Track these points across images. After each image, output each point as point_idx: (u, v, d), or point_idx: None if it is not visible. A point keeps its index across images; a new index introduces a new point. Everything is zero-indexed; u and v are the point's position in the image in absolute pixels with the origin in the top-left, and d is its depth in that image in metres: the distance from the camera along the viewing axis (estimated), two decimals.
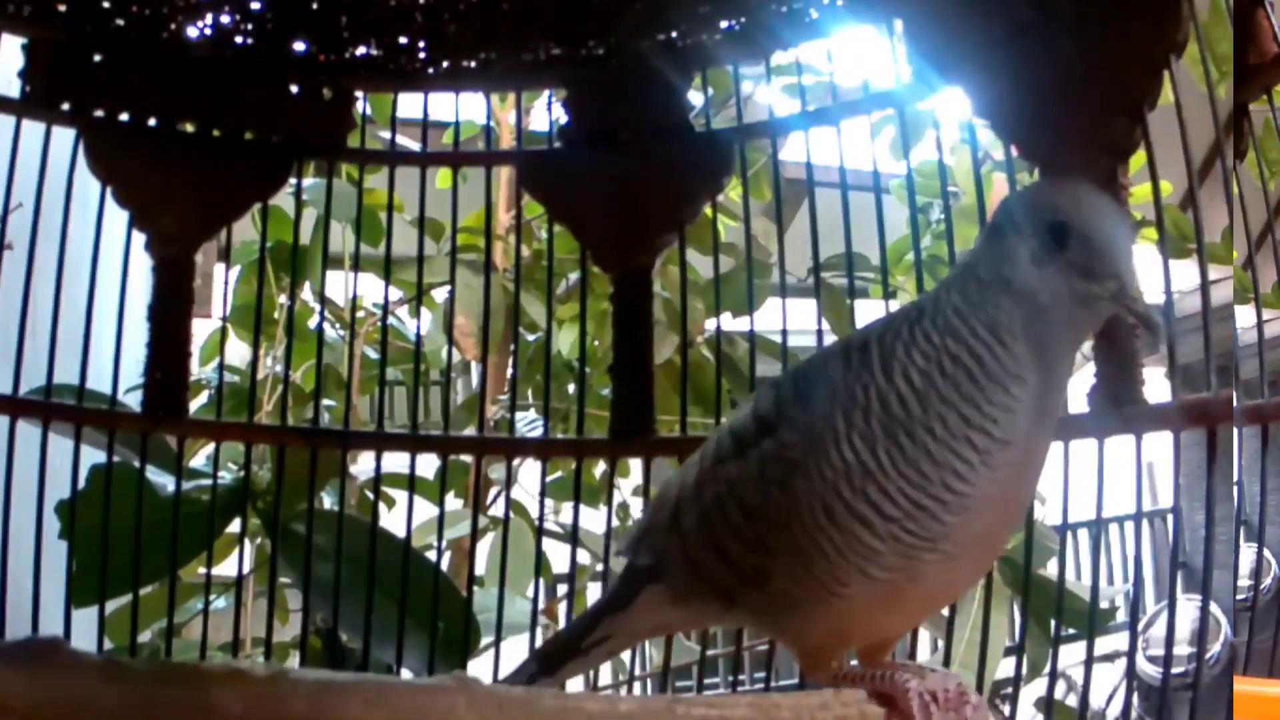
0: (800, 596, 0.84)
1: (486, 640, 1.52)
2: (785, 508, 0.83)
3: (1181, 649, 1.32)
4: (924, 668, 0.88)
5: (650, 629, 1.03)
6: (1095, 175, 1.18)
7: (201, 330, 1.65)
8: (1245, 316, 1.29)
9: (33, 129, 1.43)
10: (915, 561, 0.80)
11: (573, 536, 1.59)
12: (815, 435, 0.82)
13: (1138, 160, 1.20)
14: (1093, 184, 0.86)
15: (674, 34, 1.43)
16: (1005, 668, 1.86)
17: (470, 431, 2.02)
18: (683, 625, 1.12)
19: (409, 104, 1.55)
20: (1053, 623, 1.31)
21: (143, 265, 1.46)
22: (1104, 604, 2.21)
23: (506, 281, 2.16)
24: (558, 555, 1.93)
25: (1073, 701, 2.14)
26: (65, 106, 1.43)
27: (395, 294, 2.19)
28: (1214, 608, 1.40)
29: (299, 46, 1.46)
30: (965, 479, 0.79)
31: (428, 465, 1.60)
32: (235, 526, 1.59)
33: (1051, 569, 1.59)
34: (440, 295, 2.33)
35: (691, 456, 0.95)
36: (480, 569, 1.86)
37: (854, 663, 0.90)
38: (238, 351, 2.21)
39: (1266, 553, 1.68)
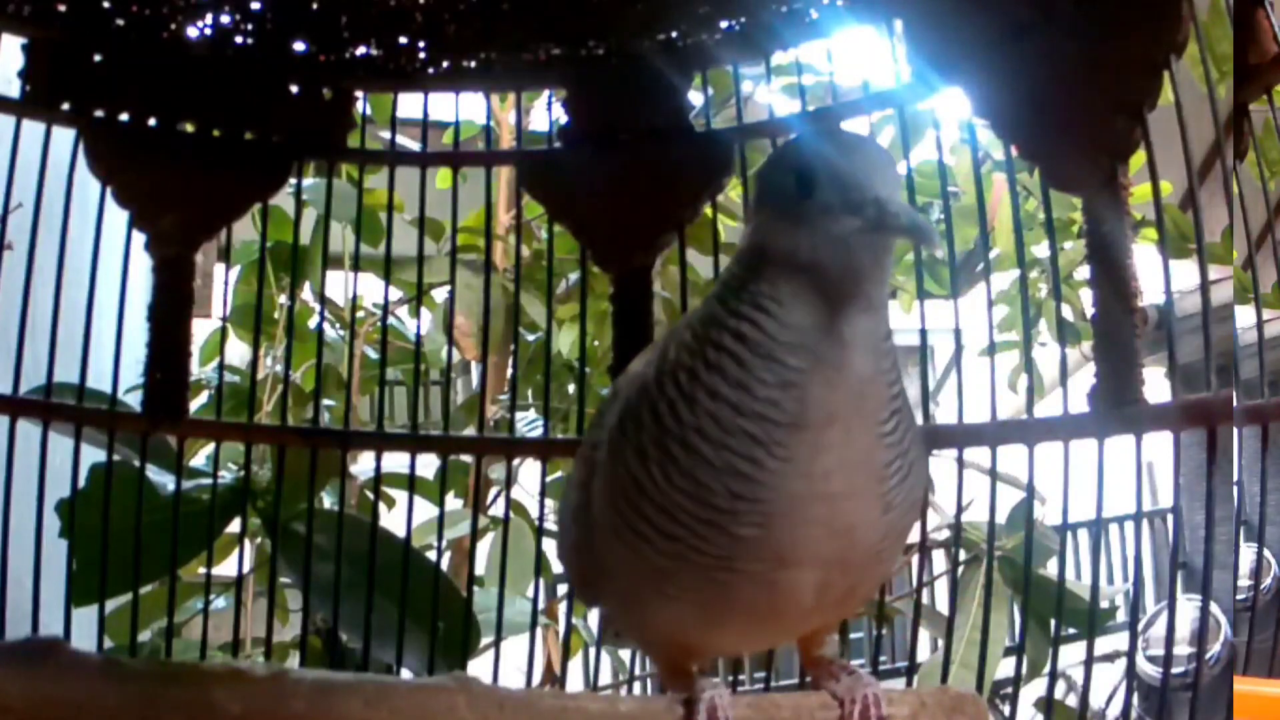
0: (617, 609, 0.79)
1: (486, 640, 1.52)
2: (582, 518, 0.78)
3: (1181, 649, 1.32)
4: (858, 672, 0.84)
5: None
6: (1095, 175, 1.19)
7: (201, 330, 1.65)
8: (1245, 316, 1.29)
9: (33, 129, 1.43)
10: (714, 582, 0.72)
11: None
12: (608, 441, 0.76)
13: (1138, 160, 1.20)
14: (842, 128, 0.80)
15: (674, 34, 1.43)
16: (1005, 668, 1.86)
17: (470, 431, 2.02)
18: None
19: (409, 104, 1.55)
20: (1053, 623, 1.31)
21: (143, 265, 1.46)
22: (1104, 604, 2.21)
23: (506, 281, 2.16)
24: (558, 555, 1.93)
25: (1073, 701, 2.14)
26: (65, 106, 1.43)
27: (395, 294, 2.19)
28: (1214, 608, 1.40)
29: (299, 46, 1.46)
30: (754, 479, 0.69)
31: (428, 465, 1.60)
32: (235, 526, 1.59)
33: (1051, 569, 1.59)
34: (440, 295, 2.33)
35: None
36: (480, 569, 1.86)
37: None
38: (238, 351, 2.21)
39: (1266, 553, 1.68)
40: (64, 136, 1.44)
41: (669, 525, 0.71)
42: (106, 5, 1.39)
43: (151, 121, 1.45)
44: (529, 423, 1.97)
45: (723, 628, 0.77)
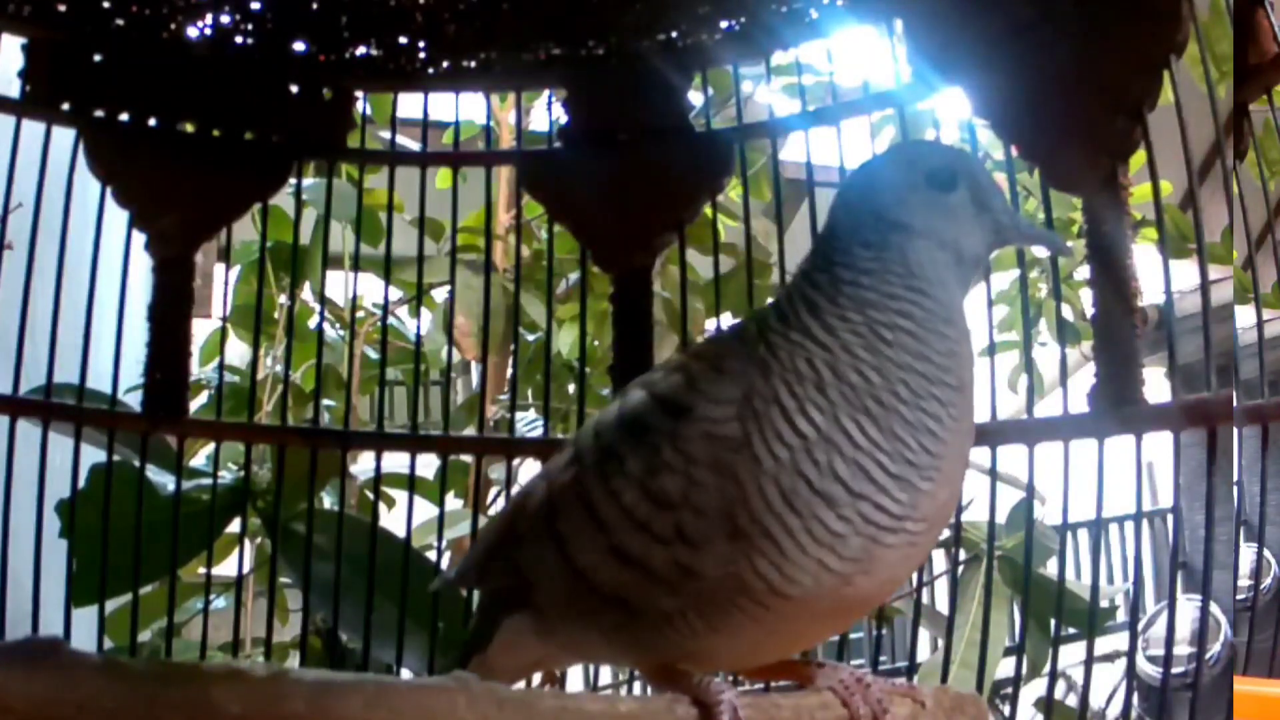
0: (725, 596, 0.75)
1: None
2: (720, 492, 0.74)
3: (1181, 649, 1.32)
4: (828, 662, 0.84)
5: (516, 669, 0.91)
6: (1095, 175, 1.19)
7: (201, 330, 1.65)
8: (1245, 316, 1.29)
9: (33, 129, 1.43)
10: (878, 546, 0.74)
11: None
12: (753, 411, 0.75)
13: (1138, 160, 1.20)
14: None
15: (674, 34, 1.43)
16: (1005, 668, 1.86)
17: (470, 431, 2.02)
18: (550, 661, 0.95)
19: (409, 104, 1.55)
20: (1053, 623, 1.31)
21: (143, 265, 1.46)
22: (1104, 604, 2.21)
23: (506, 281, 2.16)
24: None
25: (1073, 701, 2.14)
26: (65, 106, 1.43)
27: (395, 294, 2.19)
28: (1214, 608, 1.40)
29: (299, 46, 1.46)
30: (939, 437, 0.75)
31: (428, 465, 1.60)
32: (235, 526, 1.59)
33: (1051, 569, 1.59)
34: (440, 295, 2.33)
35: (554, 460, 0.86)
36: None
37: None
38: (238, 351, 2.21)
39: (1266, 553, 1.68)
40: (64, 136, 1.44)
41: (859, 482, 0.74)
42: (106, 5, 1.39)
43: (151, 121, 1.45)
44: (529, 423, 1.97)
45: (836, 612, 0.79)
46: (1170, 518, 1.23)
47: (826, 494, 0.73)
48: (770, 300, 0.85)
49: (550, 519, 0.83)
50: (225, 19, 1.42)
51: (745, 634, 0.78)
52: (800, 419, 0.74)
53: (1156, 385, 1.18)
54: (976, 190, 0.80)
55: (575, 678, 1.83)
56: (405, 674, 1.43)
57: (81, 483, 1.44)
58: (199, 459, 1.78)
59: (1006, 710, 2.05)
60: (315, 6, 1.41)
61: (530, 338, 2.35)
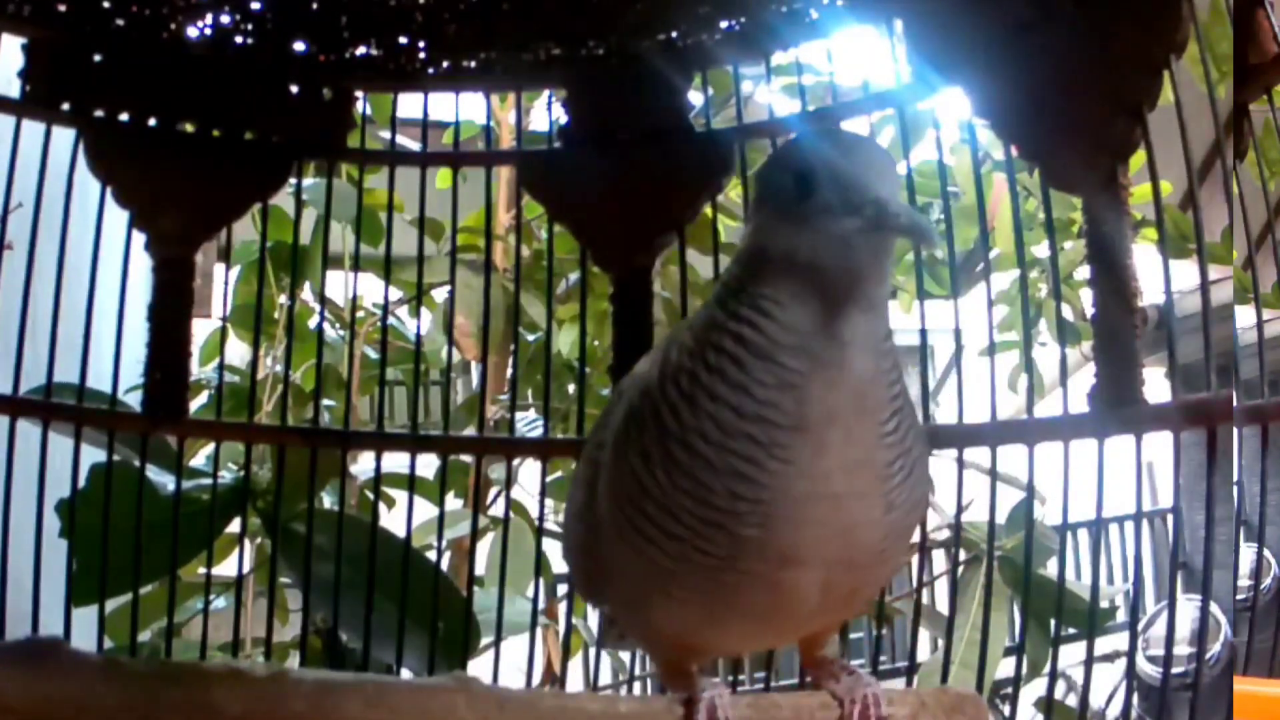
0: (621, 609, 0.79)
1: (486, 640, 1.52)
2: (587, 518, 0.79)
3: (1181, 649, 1.32)
4: (858, 672, 0.84)
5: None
6: (1095, 175, 1.19)
7: (201, 330, 1.65)
8: (1245, 316, 1.29)
9: (33, 129, 1.43)
10: (717, 583, 0.72)
11: None
12: (605, 445, 0.77)
13: (1138, 160, 1.20)
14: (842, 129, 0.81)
15: (674, 34, 1.42)
16: (1005, 668, 1.86)
17: (470, 431, 2.02)
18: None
19: (409, 104, 1.55)
20: (1053, 623, 1.31)
21: (143, 265, 1.46)
22: (1104, 604, 2.21)
23: (506, 281, 2.16)
24: (558, 555, 1.93)
25: (1073, 701, 2.14)
26: (65, 106, 1.43)
27: (395, 294, 2.18)
28: (1214, 608, 1.40)
29: (299, 46, 1.46)
30: (755, 480, 0.69)
31: (428, 465, 1.60)
32: (235, 526, 1.58)
33: (1051, 569, 1.59)
34: (440, 295, 2.33)
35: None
36: (480, 569, 1.86)
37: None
38: (238, 351, 2.21)
39: (1266, 553, 1.68)
40: (64, 136, 1.44)
41: (672, 525, 0.71)
42: (106, 5, 1.39)
43: (151, 121, 1.45)
44: (529, 423, 1.97)
45: (727, 627, 0.77)
46: (1170, 518, 1.23)
47: (647, 534, 0.73)
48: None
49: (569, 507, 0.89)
50: (225, 19, 1.42)
51: (654, 635, 0.81)
52: (625, 460, 0.74)
53: (1156, 385, 1.18)
54: (841, 188, 0.69)
55: (575, 678, 1.83)
56: (405, 674, 1.43)
57: (81, 483, 1.44)
58: (199, 459, 1.78)
59: (1006, 710, 2.05)
60: (315, 6, 1.41)
61: (530, 338, 2.35)
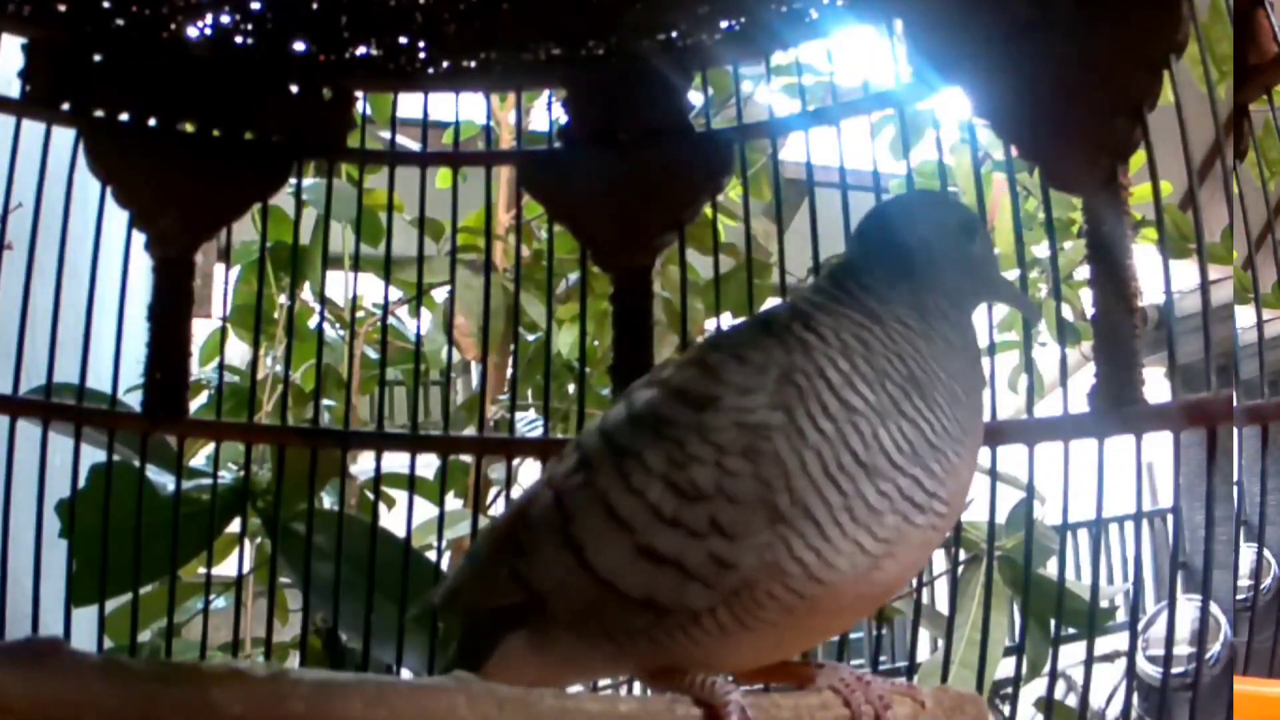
0: (761, 588, 0.75)
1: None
2: (756, 478, 0.75)
3: (1181, 649, 1.32)
4: (827, 662, 0.84)
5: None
6: (1095, 175, 1.18)
7: (201, 330, 1.65)
8: (1245, 316, 1.29)
9: (33, 129, 1.43)
10: (908, 525, 0.76)
11: None
12: (797, 390, 0.76)
13: (1138, 160, 1.20)
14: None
15: (674, 34, 1.43)
16: (1005, 668, 1.86)
17: (470, 431, 2.02)
18: (548, 679, 0.88)
19: (409, 104, 1.55)
20: (1053, 623, 1.31)
21: (143, 265, 1.46)
22: (1104, 604, 2.21)
23: (506, 281, 2.16)
24: None
25: (1073, 701, 2.14)
26: (65, 106, 1.43)
27: (395, 294, 2.19)
28: (1214, 608, 1.40)
29: (299, 46, 1.46)
30: (969, 413, 0.81)
31: (428, 465, 1.60)
32: (235, 526, 1.59)
33: (1051, 569, 1.59)
34: (440, 295, 2.33)
35: (548, 472, 0.86)
36: None
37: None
38: (238, 351, 2.21)
39: (1266, 553, 1.68)
40: (64, 136, 1.44)
41: (900, 454, 0.76)
42: (106, 5, 1.39)
43: (151, 121, 1.45)
44: (529, 423, 1.97)
45: (858, 600, 0.80)
46: (1170, 518, 1.23)
47: (871, 466, 0.75)
48: (777, 299, 0.88)
49: (563, 526, 0.81)
50: (225, 19, 1.42)
51: (772, 629, 0.78)
52: (847, 390, 0.77)
53: (1156, 385, 1.18)
54: (985, 249, 0.89)
55: None
56: (405, 674, 1.43)
57: (81, 483, 1.44)
58: (199, 459, 1.78)
59: (1006, 710, 2.06)
60: (315, 6, 1.41)
61: (530, 338, 2.35)
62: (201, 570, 1.64)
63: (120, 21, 1.41)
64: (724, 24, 1.41)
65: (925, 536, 0.78)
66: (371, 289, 2.08)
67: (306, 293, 2.21)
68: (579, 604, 0.81)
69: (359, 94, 1.52)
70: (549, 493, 0.83)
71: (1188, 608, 1.38)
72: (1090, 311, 1.20)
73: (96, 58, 1.43)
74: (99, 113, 1.44)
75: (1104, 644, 1.31)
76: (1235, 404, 1.15)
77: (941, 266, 0.84)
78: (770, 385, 0.77)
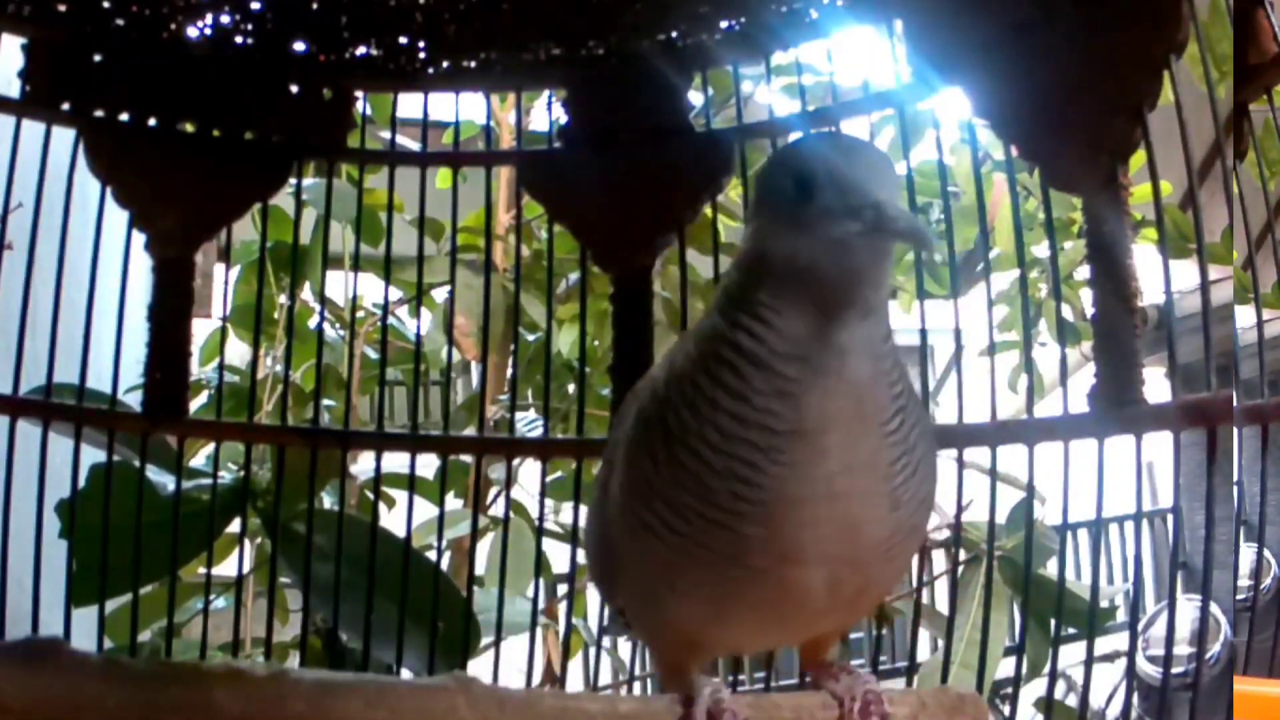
0: (631, 604, 0.81)
1: (486, 640, 1.52)
2: (602, 515, 0.82)
3: (1181, 649, 1.32)
4: (858, 672, 0.85)
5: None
6: (1095, 175, 1.19)
7: (201, 330, 1.65)
8: (1245, 316, 1.29)
9: (33, 129, 1.43)
10: (723, 578, 0.74)
11: (573, 536, 1.59)
12: (619, 445, 0.80)
13: (1138, 160, 1.20)
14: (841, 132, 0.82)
15: (674, 34, 1.43)
16: (1005, 668, 1.86)
17: (470, 431, 2.02)
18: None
19: (409, 104, 1.55)
20: (1053, 623, 1.31)
21: (143, 265, 1.46)
22: (1104, 604, 2.21)
23: (506, 281, 2.16)
24: (558, 555, 1.93)
25: (1073, 701, 2.14)
26: (65, 106, 1.43)
27: (395, 294, 2.18)
28: (1214, 608, 1.40)
29: (299, 46, 1.46)
30: (754, 483, 0.71)
31: (428, 465, 1.60)
32: (235, 526, 1.58)
33: (1051, 569, 1.59)
34: (440, 295, 2.33)
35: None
36: (480, 569, 1.86)
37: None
38: (238, 351, 2.21)
39: (1266, 553, 1.68)
40: (64, 136, 1.44)
41: (677, 522, 0.73)
42: (106, 5, 1.39)
43: (151, 121, 1.45)
44: (529, 423, 1.97)
45: (732, 624, 0.78)
46: (1170, 518, 1.23)
47: (651, 528, 0.75)
48: None
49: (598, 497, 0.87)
50: (225, 19, 1.42)
51: (661, 632, 0.82)
52: (635, 459, 0.76)
53: (1156, 385, 1.18)
54: (841, 191, 0.69)
55: (575, 678, 1.83)
56: (405, 674, 1.43)
57: (81, 483, 1.44)
58: (199, 459, 1.78)
59: (1006, 710, 2.05)
60: (315, 6, 1.41)
61: (530, 338, 2.35)
62: (201, 570, 1.64)
63: (120, 21, 1.41)
64: (724, 24, 1.41)
65: (773, 588, 0.74)
66: (371, 289, 2.08)
67: (306, 293, 2.21)
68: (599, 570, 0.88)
69: (359, 94, 1.52)
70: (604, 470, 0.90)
71: (1188, 608, 1.38)
72: (1090, 311, 1.20)
73: (96, 58, 1.43)
74: (99, 113, 1.44)
75: (1104, 644, 1.31)
76: (1235, 404, 1.15)
77: (772, 262, 0.71)
78: (616, 434, 0.82)
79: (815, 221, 0.69)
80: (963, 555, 1.83)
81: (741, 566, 0.73)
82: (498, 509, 2.20)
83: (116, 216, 1.45)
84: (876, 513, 0.74)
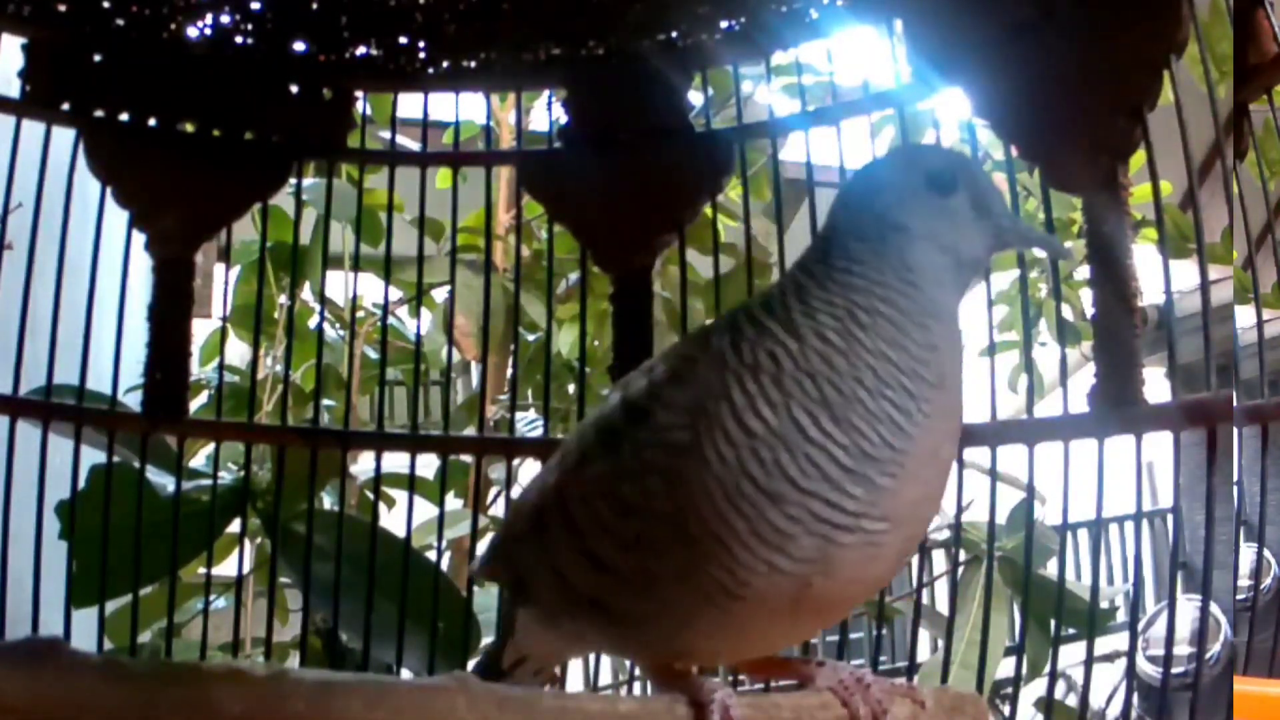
0: (689, 601, 0.75)
1: (486, 640, 1.52)
2: (671, 497, 0.74)
3: (1181, 649, 1.32)
4: (827, 660, 0.84)
5: (541, 655, 0.93)
6: (1095, 175, 1.19)
7: (201, 330, 1.65)
8: (1245, 316, 1.29)
9: (33, 129, 1.43)
10: (832, 545, 0.72)
11: None
12: (704, 412, 0.74)
13: (1138, 160, 1.20)
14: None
15: (674, 34, 1.43)
16: (1005, 668, 1.86)
17: (470, 431, 2.02)
18: (563, 651, 0.97)
19: (409, 104, 1.55)
20: (1053, 623, 1.31)
21: (143, 265, 1.46)
22: (1104, 604, 2.21)
23: (506, 281, 2.16)
24: None
25: (1073, 701, 2.14)
26: (65, 106, 1.43)
27: (395, 294, 2.19)
28: (1214, 608, 1.40)
29: (299, 46, 1.46)
30: (904, 430, 0.73)
31: (428, 465, 1.60)
32: (235, 526, 1.58)
33: (1051, 569, 1.59)
34: (440, 295, 2.33)
35: (551, 459, 0.87)
36: None
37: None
38: (238, 351, 2.21)
39: (1266, 553, 1.68)
40: (64, 136, 1.44)
41: (806, 479, 0.72)
42: (106, 5, 1.39)
43: (151, 121, 1.45)
44: (529, 423, 1.97)
45: (806, 608, 0.76)
46: (1170, 518, 1.23)
47: (773, 492, 0.72)
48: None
49: (537, 518, 0.84)
50: (225, 19, 1.42)
51: (717, 634, 0.78)
52: (749, 415, 0.73)
53: (1156, 385, 1.18)
54: (976, 194, 0.80)
55: (575, 678, 1.83)
56: (405, 674, 1.43)
57: (81, 483, 1.44)
58: (199, 459, 1.78)
59: (1006, 710, 2.05)
60: (315, 6, 1.41)
61: (530, 338, 2.35)
62: (201, 571, 1.64)
63: (120, 21, 1.41)
64: (724, 24, 1.41)
65: (861, 554, 0.73)
66: (371, 289, 2.08)
67: (306, 293, 2.21)
68: (549, 591, 0.83)
69: (359, 94, 1.52)
70: (537, 484, 0.87)
71: (1188, 608, 1.38)
72: (1090, 311, 1.20)
73: (96, 58, 1.43)
74: (99, 113, 1.44)
75: (1104, 644, 1.31)
76: (1235, 404, 1.15)
77: (917, 235, 0.78)
78: (689, 404, 0.75)
79: (962, 213, 0.79)
80: (963, 555, 1.84)
81: (856, 531, 0.72)
82: (498, 509, 2.20)
83: (116, 216, 1.45)
84: (944, 482, 0.79)
